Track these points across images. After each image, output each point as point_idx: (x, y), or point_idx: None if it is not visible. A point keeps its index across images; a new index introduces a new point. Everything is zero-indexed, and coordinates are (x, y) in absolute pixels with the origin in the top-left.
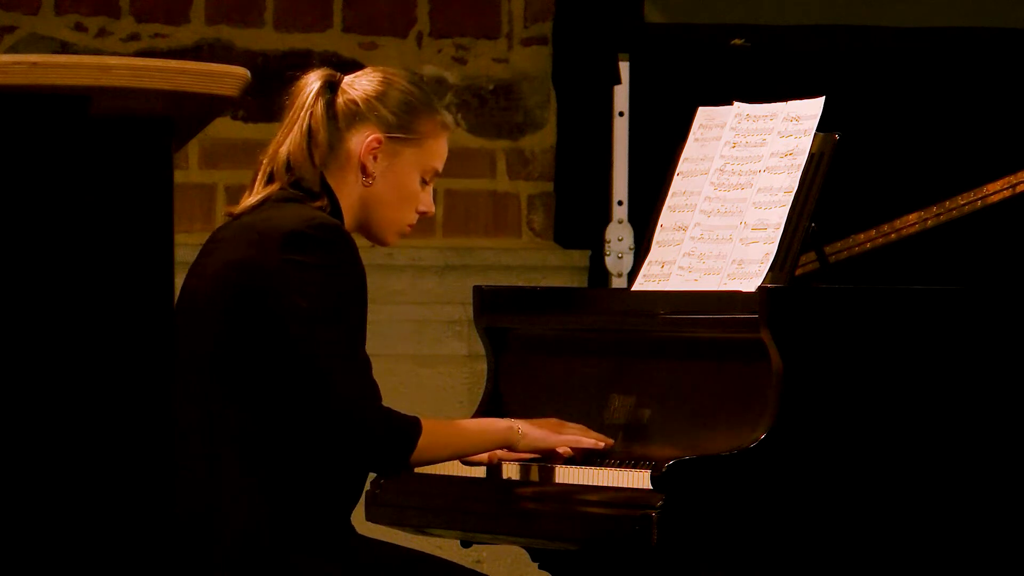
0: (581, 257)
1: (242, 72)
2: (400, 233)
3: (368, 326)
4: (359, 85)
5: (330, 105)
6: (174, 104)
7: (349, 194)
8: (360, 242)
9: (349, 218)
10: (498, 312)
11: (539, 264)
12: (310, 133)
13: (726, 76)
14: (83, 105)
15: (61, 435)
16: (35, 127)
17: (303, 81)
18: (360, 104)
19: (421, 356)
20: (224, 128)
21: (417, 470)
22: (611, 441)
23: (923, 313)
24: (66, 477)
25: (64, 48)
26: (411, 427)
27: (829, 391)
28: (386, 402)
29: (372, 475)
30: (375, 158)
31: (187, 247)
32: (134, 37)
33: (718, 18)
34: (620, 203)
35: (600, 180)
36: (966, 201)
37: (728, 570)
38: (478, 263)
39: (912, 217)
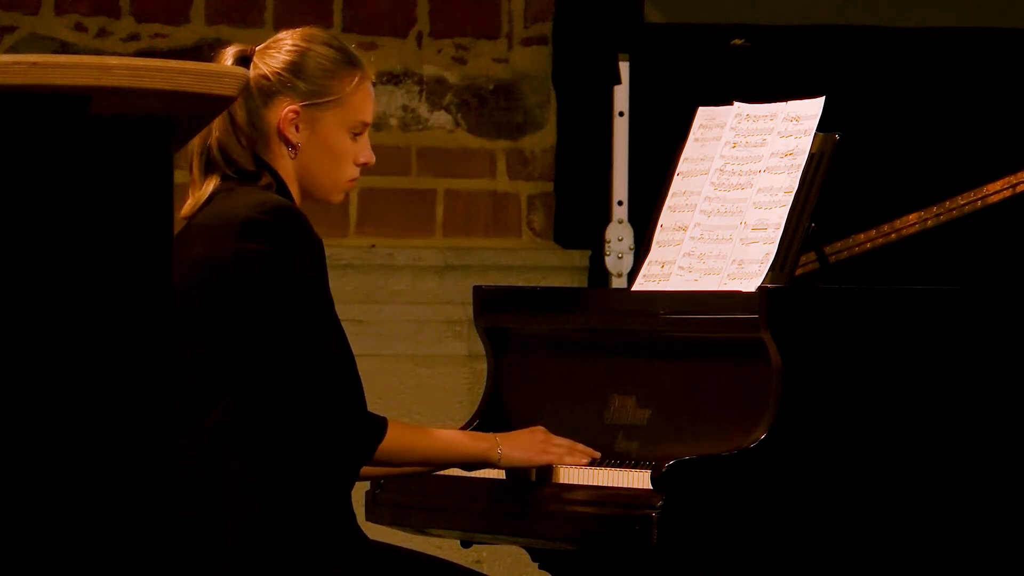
0: (581, 257)
1: (242, 72)
2: (343, 190)
3: (368, 326)
4: (270, 59)
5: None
6: (174, 104)
7: (284, 167)
8: (357, 243)
9: (293, 188)
10: (498, 312)
11: (539, 264)
12: (230, 115)
13: (726, 76)
14: (83, 105)
15: (62, 436)
16: (35, 127)
17: (217, 62)
18: (271, 78)
19: (421, 356)
20: None
21: None
22: (597, 454)
23: (923, 313)
24: (67, 477)
25: (64, 48)
26: (375, 426)
27: (829, 391)
28: (385, 402)
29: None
30: (296, 128)
31: None
32: (134, 37)
33: (718, 18)
34: (620, 203)
35: (600, 180)
36: (966, 201)
37: (728, 570)
38: (478, 263)
39: (912, 217)
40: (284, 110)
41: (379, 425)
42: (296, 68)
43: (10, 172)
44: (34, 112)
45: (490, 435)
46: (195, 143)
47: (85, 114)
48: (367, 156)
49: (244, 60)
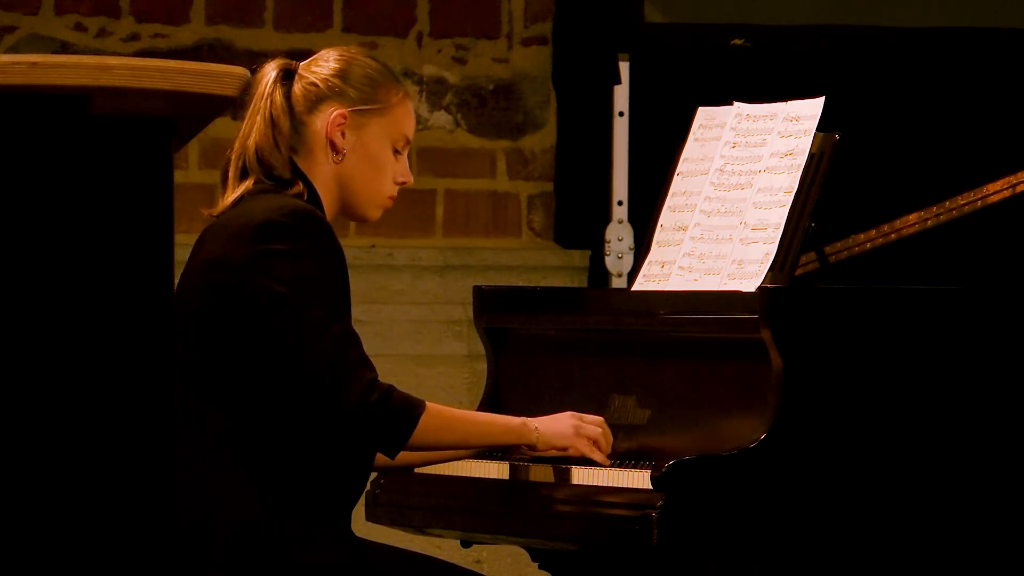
0: (581, 257)
1: (242, 72)
2: (381, 206)
3: (368, 326)
4: (317, 68)
5: (288, 93)
6: (174, 104)
7: (323, 175)
8: (357, 243)
9: (328, 200)
10: (498, 312)
11: (539, 264)
12: (272, 121)
13: (726, 76)
14: (83, 105)
15: (61, 436)
16: (35, 127)
17: (260, 72)
18: (320, 85)
19: (421, 356)
20: (224, 128)
21: (417, 470)
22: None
23: (923, 313)
24: (66, 478)
25: (64, 48)
26: (413, 406)
27: (829, 391)
28: None
29: (373, 474)
30: (342, 134)
31: (187, 247)
32: (134, 37)
33: (718, 18)
34: (620, 203)
35: (600, 180)
36: (966, 201)
37: (728, 570)
38: (478, 263)
39: (912, 217)
40: (332, 114)
41: (417, 406)
42: (344, 75)
43: (10, 172)
44: (34, 112)
45: (521, 417)
46: (235, 144)
47: (85, 114)
48: (405, 175)
49: (289, 73)
